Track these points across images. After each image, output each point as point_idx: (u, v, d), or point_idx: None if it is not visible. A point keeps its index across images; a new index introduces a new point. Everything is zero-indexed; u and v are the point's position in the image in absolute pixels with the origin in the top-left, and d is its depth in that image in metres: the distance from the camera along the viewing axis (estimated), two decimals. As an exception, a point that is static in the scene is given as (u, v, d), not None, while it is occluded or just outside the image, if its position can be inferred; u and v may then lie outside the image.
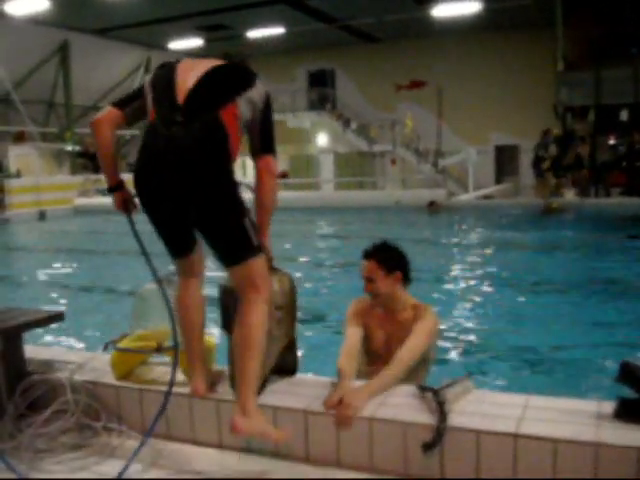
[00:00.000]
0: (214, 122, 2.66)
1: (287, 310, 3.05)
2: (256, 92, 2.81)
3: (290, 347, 3.14)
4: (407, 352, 3.02)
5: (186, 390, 2.97)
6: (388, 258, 3.33)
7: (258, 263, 2.78)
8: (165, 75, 2.83)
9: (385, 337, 3.31)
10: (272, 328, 2.89)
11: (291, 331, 3.12)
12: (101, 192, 23.75)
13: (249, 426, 2.59)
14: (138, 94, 2.92)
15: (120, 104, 2.93)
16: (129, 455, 2.74)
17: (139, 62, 27.67)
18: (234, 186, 2.71)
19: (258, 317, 2.73)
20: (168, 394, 2.89)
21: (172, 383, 2.91)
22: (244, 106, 2.76)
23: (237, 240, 2.74)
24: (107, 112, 2.91)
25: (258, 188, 2.93)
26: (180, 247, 2.93)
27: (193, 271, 3.00)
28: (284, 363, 3.12)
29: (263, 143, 2.89)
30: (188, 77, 2.76)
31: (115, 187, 3.00)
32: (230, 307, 2.91)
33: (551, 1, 19.51)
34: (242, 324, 2.73)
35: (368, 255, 3.32)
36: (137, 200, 2.92)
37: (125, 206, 3.04)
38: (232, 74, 2.86)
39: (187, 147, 2.61)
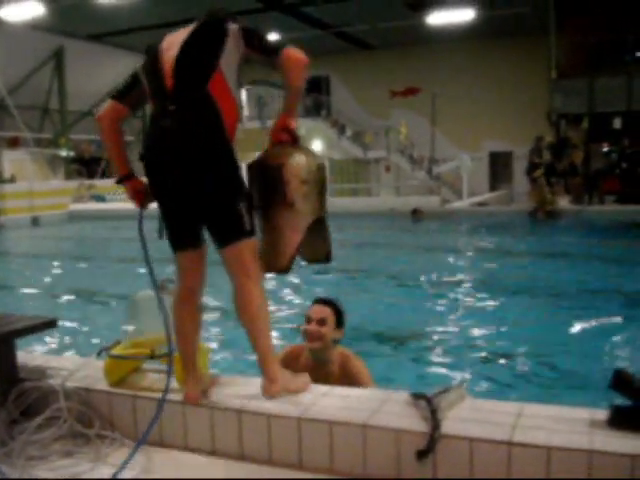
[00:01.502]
0: (204, 102, 2.72)
1: (313, 185, 2.95)
2: (231, 42, 2.80)
3: (319, 229, 3.04)
4: None
5: (179, 397, 2.96)
6: (341, 314, 3.57)
7: (249, 245, 2.87)
8: (151, 60, 2.89)
9: None
10: (297, 201, 2.89)
11: (319, 209, 3.01)
12: (95, 198, 23.73)
13: (276, 389, 2.90)
14: (134, 82, 2.98)
15: (119, 96, 3.00)
16: (122, 462, 2.73)
17: (134, 68, 27.64)
18: (233, 168, 2.80)
19: (257, 300, 2.88)
20: (162, 401, 2.88)
21: (167, 389, 2.91)
22: (227, 61, 2.78)
23: (229, 222, 2.83)
24: (108, 107, 2.99)
25: (290, 77, 2.83)
26: (184, 238, 2.95)
27: (192, 274, 2.98)
28: (314, 251, 3.09)
29: (271, 47, 2.84)
30: (169, 57, 2.80)
31: (125, 177, 3.02)
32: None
33: (545, 9, 19.63)
34: (245, 312, 2.88)
35: (326, 302, 3.55)
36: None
37: (138, 196, 3.04)
38: (204, 38, 2.84)
39: (182, 136, 2.71)
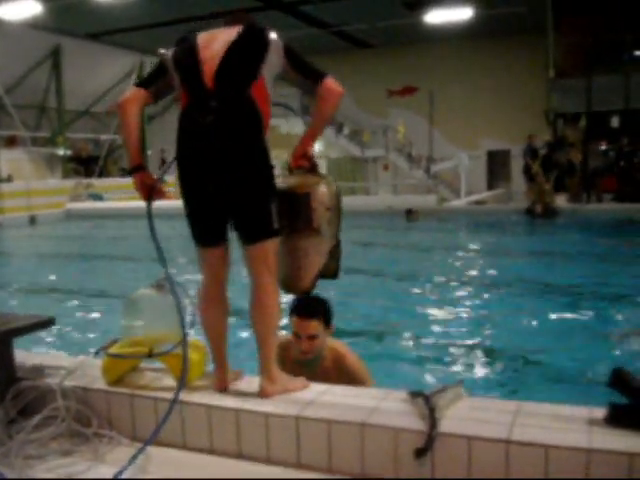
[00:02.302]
0: (247, 103, 2.80)
1: (335, 212, 3.19)
2: (274, 54, 2.88)
3: (334, 250, 3.26)
4: None
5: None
6: (327, 313, 3.51)
7: (274, 245, 2.96)
8: (187, 53, 2.90)
9: None
10: (322, 227, 3.11)
11: (337, 234, 3.25)
12: (92, 197, 23.71)
13: (275, 389, 2.94)
14: (161, 71, 2.99)
15: (145, 84, 3.02)
16: (120, 461, 2.72)
17: (132, 67, 27.62)
18: (268, 168, 2.89)
19: (274, 301, 2.96)
20: (174, 401, 2.88)
21: (179, 389, 2.91)
22: (268, 71, 2.86)
23: (260, 221, 2.91)
24: (133, 92, 2.98)
25: (323, 106, 2.97)
26: (211, 234, 2.99)
27: (217, 268, 3.04)
28: (326, 268, 3.24)
29: (313, 75, 2.93)
30: (211, 55, 2.84)
31: (137, 167, 3.00)
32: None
33: (542, 8, 19.61)
34: (260, 309, 2.94)
35: (313, 314, 3.42)
36: (161, 186, 3.03)
37: (145, 190, 3.02)
38: (250, 44, 2.90)
39: (224, 134, 2.76)
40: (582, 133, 19.57)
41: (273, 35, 2.93)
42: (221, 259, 3.04)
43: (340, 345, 3.61)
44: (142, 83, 3.02)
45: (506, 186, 24.25)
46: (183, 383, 2.93)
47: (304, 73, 2.94)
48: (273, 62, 2.87)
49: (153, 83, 3.01)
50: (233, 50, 2.84)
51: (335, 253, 3.27)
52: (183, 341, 2.98)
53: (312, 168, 3.16)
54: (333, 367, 3.47)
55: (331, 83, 2.90)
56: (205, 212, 2.95)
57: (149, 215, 3.06)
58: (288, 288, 3.23)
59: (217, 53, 2.83)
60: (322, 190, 3.11)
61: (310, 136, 3.09)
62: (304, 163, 3.14)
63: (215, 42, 2.87)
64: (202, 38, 2.93)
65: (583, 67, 19.39)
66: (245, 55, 2.86)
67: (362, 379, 3.45)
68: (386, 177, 26.06)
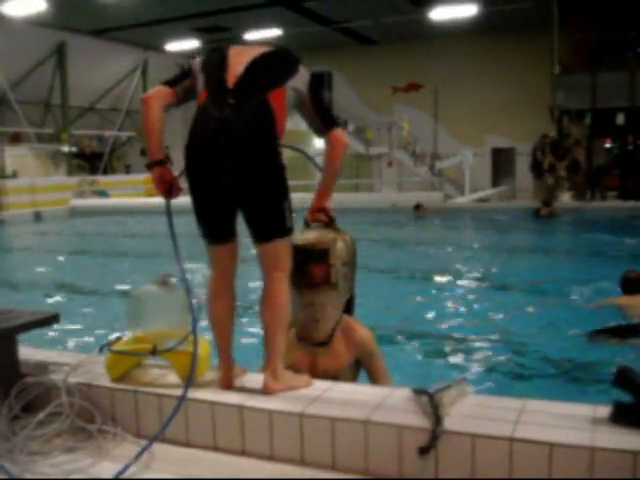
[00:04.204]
0: (263, 105, 2.83)
1: (351, 267, 3.38)
2: (299, 79, 2.96)
3: (349, 302, 3.46)
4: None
5: (179, 392, 2.96)
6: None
7: (284, 244, 2.97)
8: (217, 59, 2.96)
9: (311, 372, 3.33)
10: (339, 282, 3.27)
11: (353, 287, 3.45)
12: (97, 193, 23.74)
13: (280, 386, 2.94)
14: (187, 74, 3.04)
15: (171, 83, 3.05)
16: (123, 458, 2.73)
17: (136, 63, 27.64)
18: (280, 169, 2.89)
19: (285, 297, 2.98)
20: (183, 398, 2.88)
21: (188, 385, 2.91)
22: (290, 91, 2.92)
23: (272, 220, 2.93)
24: (158, 89, 3.02)
25: (330, 157, 3.09)
26: (220, 231, 3.01)
27: (226, 264, 3.06)
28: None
29: (325, 122, 3.05)
30: (238, 62, 2.89)
31: (158, 162, 2.97)
32: None
33: (548, 4, 19.55)
34: (271, 305, 2.96)
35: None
36: (180, 182, 3.03)
37: (163, 186, 3.00)
38: (278, 61, 2.97)
39: (238, 129, 2.78)
40: (587, 130, 19.53)
41: (304, 69, 3.01)
42: (229, 256, 3.06)
43: (349, 318, 3.56)
44: (168, 82, 3.05)
45: (510, 183, 24.21)
46: (192, 379, 2.94)
47: (320, 111, 3.03)
48: (297, 86, 2.94)
49: (178, 83, 3.04)
50: (261, 61, 2.90)
51: (350, 302, 3.48)
52: (194, 338, 2.99)
53: (330, 222, 3.28)
54: (342, 337, 3.41)
55: (340, 134, 3.04)
56: (213, 208, 2.95)
57: (168, 211, 3.08)
58: (304, 338, 3.33)
59: (245, 61, 2.88)
60: (340, 246, 3.26)
61: (325, 191, 3.22)
62: (322, 218, 3.28)
63: (245, 55, 2.93)
64: (234, 49, 3.01)
65: (588, 64, 19.34)
66: (272, 67, 2.92)
67: (371, 351, 3.42)
68: (390, 174, 26.03)
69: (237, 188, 2.84)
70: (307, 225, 3.34)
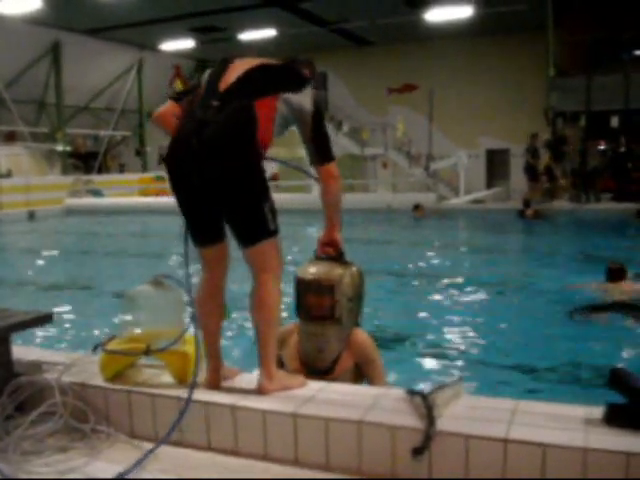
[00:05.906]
0: (245, 111, 2.82)
1: (356, 301, 3.41)
2: (304, 98, 2.97)
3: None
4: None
5: (175, 393, 2.96)
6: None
7: (270, 245, 2.93)
8: (218, 69, 2.99)
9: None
10: (343, 317, 3.32)
11: (358, 319, 3.49)
12: (92, 192, 23.69)
13: (274, 386, 2.94)
14: (194, 88, 3.08)
15: (178, 98, 3.13)
16: (117, 458, 2.73)
17: (131, 63, 27.60)
18: (259, 171, 2.85)
19: (274, 298, 2.95)
20: (189, 400, 2.88)
21: (193, 386, 2.91)
22: (283, 105, 2.92)
23: (253, 223, 2.90)
24: (167, 106, 3.11)
25: (324, 191, 3.13)
26: (204, 233, 3.01)
27: (213, 266, 3.05)
28: None
29: (321, 155, 3.06)
30: (236, 71, 2.92)
31: None
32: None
33: (543, 7, 19.60)
34: (262, 306, 2.94)
35: None
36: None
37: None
38: (278, 74, 3.00)
39: (212, 131, 2.76)
40: (581, 132, 19.56)
41: (315, 89, 3.03)
42: (217, 258, 3.04)
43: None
44: (175, 97, 3.14)
45: (505, 184, 24.25)
46: (195, 380, 2.93)
47: (317, 140, 3.02)
48: (297, 103, 2.94)
49: (185, 97, 3.09)
50: (257, 70, 2.93)
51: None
52: (194, 338, 3.01)
53: (338, 256, 3.32)
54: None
55: (332, 168, 3.06)
56: (192, 209, 2.95)
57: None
58: (308, 366, 3.37)
59: (244, 69, 2.92)
60: (346, 281, 3.30)
61: (332, 224, 3.27)
62: (330, 251, 3.33)
63: (247, 65, 2.96)
64: (240, 60, 3.02)
65: (583, 66, 19.37)
66: (266, 78, 2.94)
67: (371, 357, 3.44)
68: (385, 175, 26.05)
69: (211, 190, 2.82)
70: (316, 257, 3.38)
